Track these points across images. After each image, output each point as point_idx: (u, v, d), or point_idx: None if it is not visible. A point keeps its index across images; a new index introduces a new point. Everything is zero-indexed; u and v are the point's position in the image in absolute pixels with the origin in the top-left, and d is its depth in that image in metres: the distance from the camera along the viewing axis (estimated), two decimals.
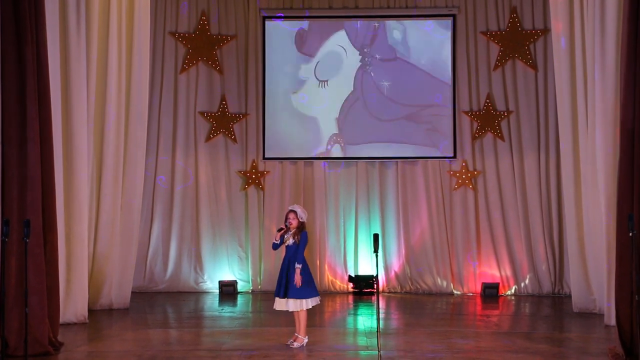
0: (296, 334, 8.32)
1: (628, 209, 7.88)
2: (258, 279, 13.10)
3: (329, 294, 12.82)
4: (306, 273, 8.22)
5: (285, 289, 8.22)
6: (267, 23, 13.27)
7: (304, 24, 13.30)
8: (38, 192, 7.95)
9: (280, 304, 8.27)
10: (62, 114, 9.55)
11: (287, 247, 8.32)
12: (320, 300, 8.44)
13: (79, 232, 9.88)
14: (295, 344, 8.23)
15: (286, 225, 8.32)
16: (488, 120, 13.03)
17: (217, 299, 12.32)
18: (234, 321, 10.27)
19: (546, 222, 12.74)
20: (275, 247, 8.46)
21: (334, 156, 13.23)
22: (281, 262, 8.44)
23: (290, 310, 8.27)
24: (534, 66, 12.99)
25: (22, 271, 7.54)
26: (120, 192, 10.91)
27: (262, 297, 12.33)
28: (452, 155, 13.09)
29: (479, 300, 12.25)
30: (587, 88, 10.14)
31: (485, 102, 13.06)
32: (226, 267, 13.12)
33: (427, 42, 13.18)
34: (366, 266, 13.02)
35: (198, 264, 13.09)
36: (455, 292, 12.89)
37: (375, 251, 7.90)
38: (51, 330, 8.09)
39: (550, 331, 9.62)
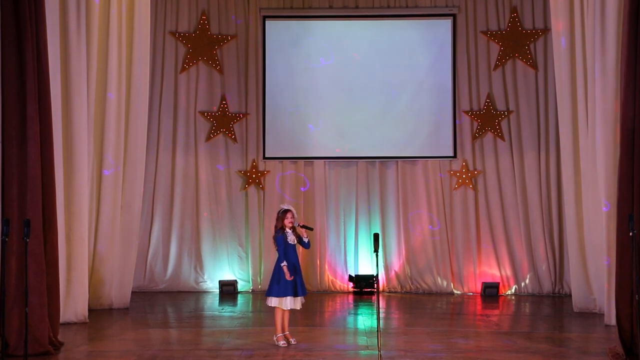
0: (287, 333, 8.40)
1: (628, 209, 7.87)
2: (258, 279, 13.10)
3: (329, 293, 12.85)
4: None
5: (300, 287, 8.29)
6: (267, 23, 13.27)
7: (304, 23, 13.30)
8: (38, 191, 7.94)
9: (296, 303, 8.32)
10: (62, 114, 9.54)
11: (293, 246, 8.35)
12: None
13: (79, 232, 9.88)
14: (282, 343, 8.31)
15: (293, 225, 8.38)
16: (488, 119, 13.03)
17: (217, 298, 12.32)
18: (234, 321, 10.26)
19: (546, 221, 12.74)
20: (309, 245, 8.50)
21: (334, 156, 13.23)
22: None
23: (298, 308, 8.40)
24: (534, 66, 12.99)
25: (22, 271, 7.54)
26: (120, 192, 10.91)
27: (262, 297, 12.28)
28: (452, 154, 13.09)
29: (479, 300, 12.25)
30: (587, 88, 10.14)
31: (486, 101, 13.06)
32: (226, 266, 13.13)
33: (428, 41, 13.18)
34: (366, 266, 13.03)
35: (198, 263, 13.10)
36: (455, 291, 12.90)
37: (376, 251, 7.91)
38: (51, 330, 8.08)
39: (550, 331, 9.62)
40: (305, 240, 8.41)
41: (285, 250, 8.28)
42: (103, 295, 10.88)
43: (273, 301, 8.31)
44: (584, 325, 9.86)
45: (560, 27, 10.61)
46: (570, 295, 11.35)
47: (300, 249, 8.61)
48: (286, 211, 8.37)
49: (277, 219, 8.42)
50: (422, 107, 13.15)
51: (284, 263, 8.22)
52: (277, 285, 8.25)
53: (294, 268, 8.27)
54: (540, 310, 11.25)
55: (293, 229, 8.38)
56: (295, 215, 8.43)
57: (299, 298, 8.34)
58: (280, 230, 8.34)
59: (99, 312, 10.55)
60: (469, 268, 12.93)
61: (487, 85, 13.14)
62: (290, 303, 8.27)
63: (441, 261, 12.97)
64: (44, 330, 7.89)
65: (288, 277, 8.20)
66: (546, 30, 12.84)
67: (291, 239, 8.34)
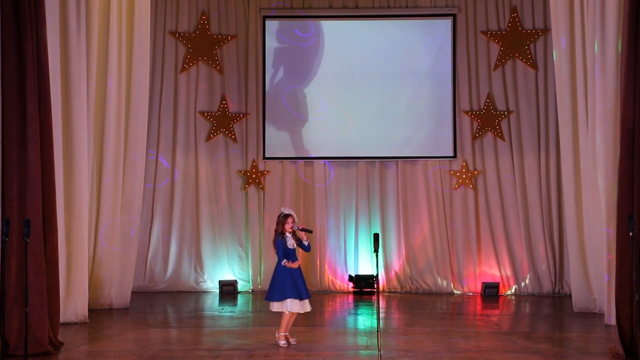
0: (287, 333, 8.40)
1: (628, 209, 7.87)
2: (258, 279, 13.10)
3: (329, 293, 12.85)
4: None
5: (304, 290, 8.30)
6: (267, 23, 13.27)
7: (304, 23, 13.30)
8: (38, 191, 7.94)
9: (304, 306, 8.32)
10: (62, 114, 9.55)
11: (293, 250, 8.34)
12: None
13: (79, 232, 9.89)
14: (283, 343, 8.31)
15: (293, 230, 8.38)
16: (488, 119, 13.03)
17: (217, 298, 12.32)
18: (234, 321, 10.27)
19: (546, 221, 12.74)
20: (309, 248, 8.49)
21: (334, 156, 13.23)
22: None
23: (309, 310, 8.42)
24: (534, 66, 12.99)
25: (22, 271, 7.54)
26: (120, 192, 10.91)
27: (262, 297, 12.26)
28: (452, 154, 13.09)
29: (479, 300, 12.25)
30: (587, 88, 10.14)
31: (486, 101, 13.06)
32: (226, 266, 13.13)
33: (428, 41, 13.18)
34: (366, 266, 13.02)
35: (198, 263, 13.10)
36: (455, 291, 12.90)
37: (376, 251, 7.90)
38: (51, 330, 8.09)
39: (550, 331, 9.61)
40: (305, 243, 8.39)
41: (285, 254, 8.27)
42: (103, 295, 10.88)
43: (275, 306, 8.30)
44: (584, 325, 9.85)
45: (560, 27, 10.61)
46: (570, 295, 11.34)
47: (300, 252, 8.60)
48: (287, 216, 8.34)
49: (278, 223, 8.39)
50: (422, 107, 13.15)
51: (285, 260, 8.22)
52: (277, 290, 8.24)
53: (295, 271, 8.26)
54: (540, 310, 11.25)
55: (293, 232, 8.37)
56: (296, 220, 8.42)
57: (305, 300, 8.33)
58: (280, 234, 8.33)
59: (99, 312, 10.55)
60: (469, 268, 12.93)
61: (487, 85, 13.13)
62: (297, 306, 8.25)
63: (441, 261, 12.97)
64: (44, 330, 7.89)
65: (292, 265, 8.19)
66: (546, 30, 12.85)
67: (291, 243, 8.32)
